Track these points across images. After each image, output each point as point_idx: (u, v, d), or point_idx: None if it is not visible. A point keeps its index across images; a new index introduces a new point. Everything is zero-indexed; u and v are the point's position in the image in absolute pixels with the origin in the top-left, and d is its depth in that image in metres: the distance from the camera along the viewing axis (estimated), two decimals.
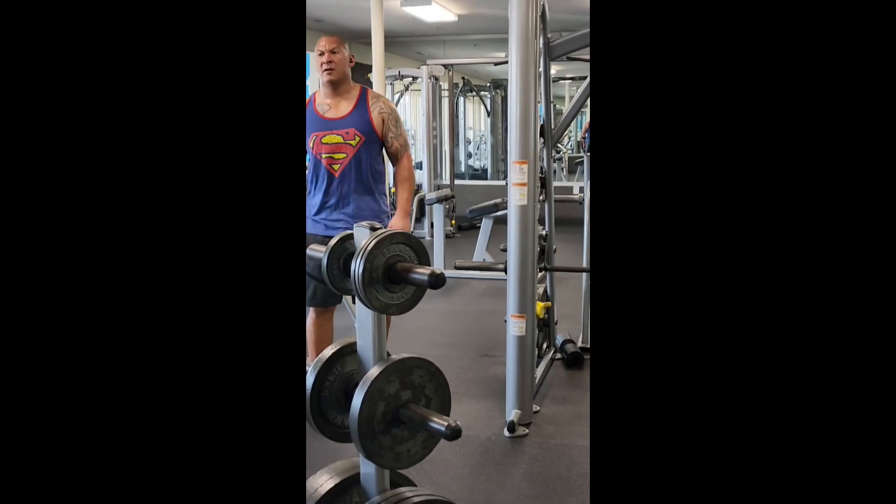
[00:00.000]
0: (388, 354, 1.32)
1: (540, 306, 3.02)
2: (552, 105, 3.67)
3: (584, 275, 3.76)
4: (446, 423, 1.21)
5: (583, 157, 4.13)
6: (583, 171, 4.00)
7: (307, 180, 2.65)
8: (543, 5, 2.79)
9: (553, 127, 3.26)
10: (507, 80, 2.71)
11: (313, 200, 2.65)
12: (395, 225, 2.62)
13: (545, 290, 3.36)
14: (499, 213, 4.88)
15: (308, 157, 2.62)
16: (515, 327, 2.65)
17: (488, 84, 10.42)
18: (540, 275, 3.18)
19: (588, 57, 4.76)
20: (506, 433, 2.59)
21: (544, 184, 3.17)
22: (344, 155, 2.58)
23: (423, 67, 7.07)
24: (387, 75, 5.47)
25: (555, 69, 8.57)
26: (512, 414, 2.63)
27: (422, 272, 1.21)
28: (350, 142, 2.57)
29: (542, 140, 3.05)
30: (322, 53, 2.58)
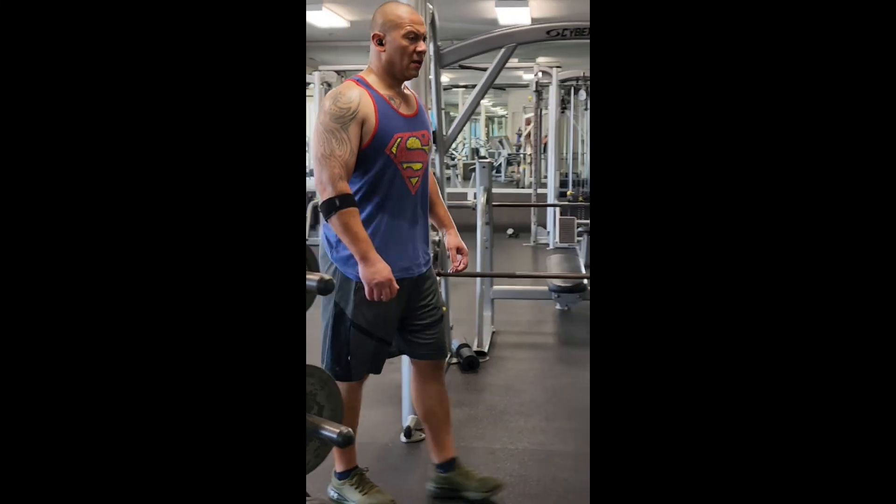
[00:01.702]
0: None
1: None
2: (445, 112, 3.71)
3: (478, 280, 3.82)
4: (338, 431, 1.20)
5: (475, 163, 4.20)
6: (475, 178, 4.06)
7: (361, 192, 1.89)
8: (433, 13, 2.83)
9: (445, 133, 3.30)
10: None
11: (377, 225, 1.89)
12: (456, 244, 2.16)
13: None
14: None
15: (376, 164, 1.86)
16: None
17: None
18: None
19: (479, 65, 4.86)
20: (402, 438, 2.59)
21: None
22: (420, 165, 1.93)
23: (316, 73, 6.99)
24: None
25: (447, 77, 8.67)
26: (408, 419, 2.63)
27: (311, 278, 1.20)
28: (425, 147, 1.94)
29: (434, 147, 3.08)
30: (415, 37, 1.86)
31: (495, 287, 4.01)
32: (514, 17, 6.51)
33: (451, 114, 9.98)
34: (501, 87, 9.59)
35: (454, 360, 3.47)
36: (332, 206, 1.79)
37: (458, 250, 2.16)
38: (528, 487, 2.26)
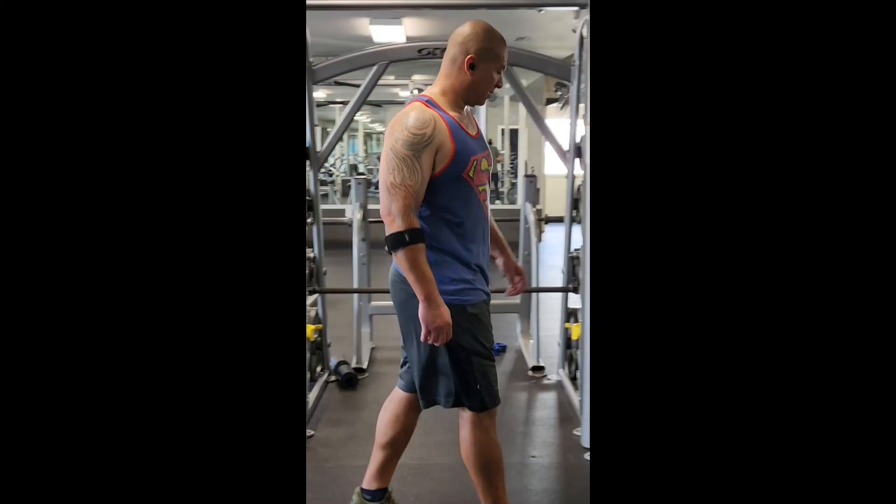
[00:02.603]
0: None
1: (310, 329, 3.00)
2: (321, 129, 3.68)
3: (355, 296, 3.80)
4: None
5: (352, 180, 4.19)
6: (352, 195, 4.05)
7: (450, 221, 1.77)
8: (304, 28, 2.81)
9: (319, 149, 3.28)
10: None
11: (462, 253, 1.78)
12: (514, 266, 2.06)
13: (316, 313, 3.35)
14: None
15: (458, 191, 1.75)
16: None
17: None
18: (311, 298, 3.17)
19: (354, 82, 4.86)
20: None
21: (311, 206, 3.17)
22: (485, 186, 1.83)
23: None
24: None
25: (324, 93, 8.59)
26: None
27: None
28: (490, 168, 1.86)
29: (307, 163, 3.05)
30: (502, 69, 1.82)
31: (373, 303, 4.00)
32: (389, 35, 6.56)
33: (328, 130, 9.91)
34: (378, 104, 9.63)
35: (332, 377, 3.43)
36: (400, 241, 1.66)
37: (517, 271, 2.06)
38: (408, 502, 2.27)
